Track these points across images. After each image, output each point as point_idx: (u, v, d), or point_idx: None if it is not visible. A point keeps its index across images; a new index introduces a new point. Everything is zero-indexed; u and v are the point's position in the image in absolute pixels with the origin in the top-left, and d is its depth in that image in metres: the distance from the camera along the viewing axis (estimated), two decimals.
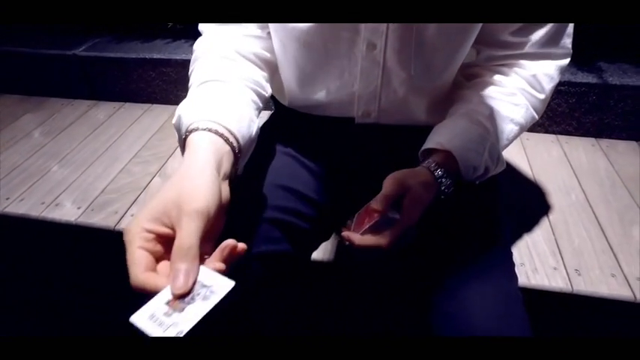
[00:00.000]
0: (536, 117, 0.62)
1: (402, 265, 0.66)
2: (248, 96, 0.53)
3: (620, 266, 0.76)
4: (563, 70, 0.61)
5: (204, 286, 0.35)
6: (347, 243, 0.53)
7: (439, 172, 0.54)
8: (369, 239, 0.51)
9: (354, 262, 0.81)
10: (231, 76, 0.53)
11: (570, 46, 0.60)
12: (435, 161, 0.55)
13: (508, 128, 0.59)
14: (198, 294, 0.35)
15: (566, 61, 0.61)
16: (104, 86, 1.36)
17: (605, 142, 1.11)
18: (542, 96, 0.60)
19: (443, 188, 0.54)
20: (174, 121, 0.50)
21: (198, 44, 0.60)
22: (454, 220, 0.58)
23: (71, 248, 1.00)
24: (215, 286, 0.35)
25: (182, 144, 0.46)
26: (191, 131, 0.44)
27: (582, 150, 1.09)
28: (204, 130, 0.44)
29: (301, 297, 0.92)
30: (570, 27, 0.58)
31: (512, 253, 0.59)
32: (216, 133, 0.44)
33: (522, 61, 0.59)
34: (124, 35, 1.39)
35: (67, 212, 0.94)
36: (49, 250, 1.04)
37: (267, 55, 0.60)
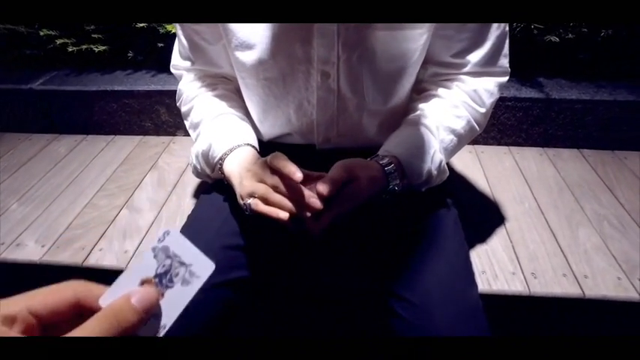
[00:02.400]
0: (477, 129, 0.67)
1: (365, 275, 0.69)
2: (247, 121, 0.68)
3: (570, 266, 0.83)
4: (502, 87, 0.67)
5: (182, 264, 0.30)
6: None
7: (391, 168, 0.57)
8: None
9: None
10: (232, 109, 0.68)
11: (507, 65, 0.66)
12: (387, 159, 0.58)
13: (448, 138, 0.63)
14: (177, 274, 0.30)
15: (505, 78, 0.67)
16: (64, 119, 1.34)
17: (551, 151, 1.20)
18: (482, 110, 0.66)
19: (391, 186, 0.56)
20: (204, 148, 0.63)
21: (184, 86, 0.71)
22: (413, 232, 0.62)
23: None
24: (195, 265, 0.30)
25: (216, 164, 0.61)
26: (231, 150, 0.60)
27: (532, 159, 1.17)
28: (246, 145, 0.61)
29: (273, 315, 0.93)
30: (506, 48, 0.64)
31: (471, 262, 0.63)
32: (250, 145, 0.62)
33: (464, 77, 0.65)
34: (82, 68, 1.38)
35: (30, 252, 0.91)
36: (12, 294, 0.99)
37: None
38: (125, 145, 1.28)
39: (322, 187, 0.50)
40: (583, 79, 1.20)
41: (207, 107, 0.67)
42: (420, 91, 0.69)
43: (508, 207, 0.99)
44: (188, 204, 1.02)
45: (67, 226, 0.97)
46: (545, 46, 1.17)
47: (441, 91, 0.65)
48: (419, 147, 0.60)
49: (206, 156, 0.63)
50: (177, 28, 0.67)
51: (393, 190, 0.57)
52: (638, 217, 0.95)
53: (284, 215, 0.50)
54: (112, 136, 1.33)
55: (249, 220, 0.63)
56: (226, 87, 0.71)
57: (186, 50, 0.68)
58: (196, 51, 0.67)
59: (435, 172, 0.61)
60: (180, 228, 0.68)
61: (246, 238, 0.61)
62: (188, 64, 0.70)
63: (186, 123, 0.71)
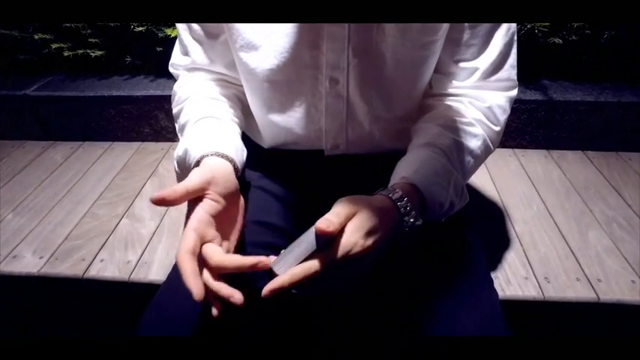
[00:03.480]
0: (492, 149, 0.62)
1: (388, 292, 0.67)
2: (236, 129, 0.61)
3: (582, 270, 0.82)
4: (512, 102, 0.63)
5: None
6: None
7: (403, 202, 0.49)
8: (296, 272, 0.44)
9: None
10: (220, 114, 0.61)
11: (515, 77, 0.61)
12: (398, 190, 0.50)
13: (466, 160, 0.57)
14: None
15: (515, 92, 0.62)
16: (60, 126, 1.30)
17: (555, 153, 1.20)
18: (497, 128, 0.61)
19: (406, 219, 0.49)
20: (180, 154, 0.57)
21: (179, 88, 0.67)
22: (431, 245, 0.60)
23: (35, 303, 0.93)
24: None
25: (187, 173, 0.53)
26: (202, 158, 0.53)
27: (537, 162, 1.16)
28: (214, 155, 0.53)
29: (284, 331, 0.91)
30: (514, 58, 0.61)
31: (488, 270, 0.61)
32: (223, 156, 0.54)
33: (476, 93, 0.60)
34: (79, 73, 1.35)
35: (28, 263, 0.88)
36: (9, 307, 0.96)
37: (241, 95, 0.66)
38: (123, 152, 1.25)
39: (325, 224, 0.43)
40: (587, 81, 1.20)
41: (195, 109, 0.62)
42: (428, 108, 0.64)
43: (516, 210, 0.98)
44: None
45: (66, 237, 0.94)
46: (549, 48, 1.17)
47: (453, 108, 0.61)
48: (439, 173, 0.53)
49: (183, 163, 0.58)
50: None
51: (409, 224, 0.49)
52: None
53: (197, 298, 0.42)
54: (110, 143, 1.30)
55: (253, 231, 0.61)
56: (223, 91, 0.67)
57: (184, 46, 0.65)
58: (196, 45, 0.64)
59: (457, 200, 0.56)
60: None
61: (249, 249, 0.59)
62: (186, 61, 0.66)
63: (176, 126, 0.67)
